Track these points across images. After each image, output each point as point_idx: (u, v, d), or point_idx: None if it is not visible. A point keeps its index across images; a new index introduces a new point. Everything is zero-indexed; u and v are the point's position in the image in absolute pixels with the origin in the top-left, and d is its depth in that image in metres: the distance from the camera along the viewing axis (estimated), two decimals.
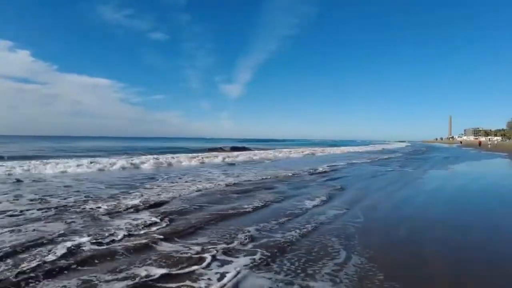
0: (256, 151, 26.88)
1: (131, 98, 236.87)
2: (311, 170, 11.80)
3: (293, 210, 5.29)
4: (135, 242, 3.55)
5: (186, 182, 8.56)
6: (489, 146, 44.96)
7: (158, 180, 8.95)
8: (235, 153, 23.12)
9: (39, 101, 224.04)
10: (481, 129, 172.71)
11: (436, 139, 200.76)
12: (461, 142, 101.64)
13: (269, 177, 9.80)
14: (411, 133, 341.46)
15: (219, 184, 8.06)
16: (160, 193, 6.72)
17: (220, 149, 28.27)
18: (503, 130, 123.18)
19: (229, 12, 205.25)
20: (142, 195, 6.39)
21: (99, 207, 5.23)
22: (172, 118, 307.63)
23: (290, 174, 10.52)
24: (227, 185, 7.91)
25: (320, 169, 12.26)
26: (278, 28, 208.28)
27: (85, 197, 6.18)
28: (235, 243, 3.60)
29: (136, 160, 14.00)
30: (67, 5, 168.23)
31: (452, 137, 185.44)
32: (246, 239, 3.75)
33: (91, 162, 12.43)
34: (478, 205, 6.43)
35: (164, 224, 4.33)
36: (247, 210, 5.28)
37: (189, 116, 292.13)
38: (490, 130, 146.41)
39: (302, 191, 7.29)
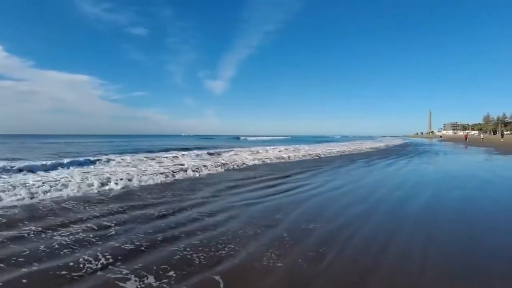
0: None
1: (111, 95, 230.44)
2: None
3: None
4: None
5: None
6: (466, 140, 45.90)
7: None
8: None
9: (15, 98, 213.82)
10: (459, 123, 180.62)
11: (417, 133, 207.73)
12: (441, 137, 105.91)
13: None
14: (391, 128, 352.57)
15: None
16: None
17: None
18: (479, 124, 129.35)
19: (213, 7, 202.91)
20: None
21: None
22: (156, 115, 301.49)
23: None
24: None
25: None
26: (263, 23, 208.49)
27: None
28: None
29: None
30: None
31: (432, 132, 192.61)
32: None
33: None
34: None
35: None
36: None
37: (174, 113, 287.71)
38: (468, 124, 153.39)
39: None
